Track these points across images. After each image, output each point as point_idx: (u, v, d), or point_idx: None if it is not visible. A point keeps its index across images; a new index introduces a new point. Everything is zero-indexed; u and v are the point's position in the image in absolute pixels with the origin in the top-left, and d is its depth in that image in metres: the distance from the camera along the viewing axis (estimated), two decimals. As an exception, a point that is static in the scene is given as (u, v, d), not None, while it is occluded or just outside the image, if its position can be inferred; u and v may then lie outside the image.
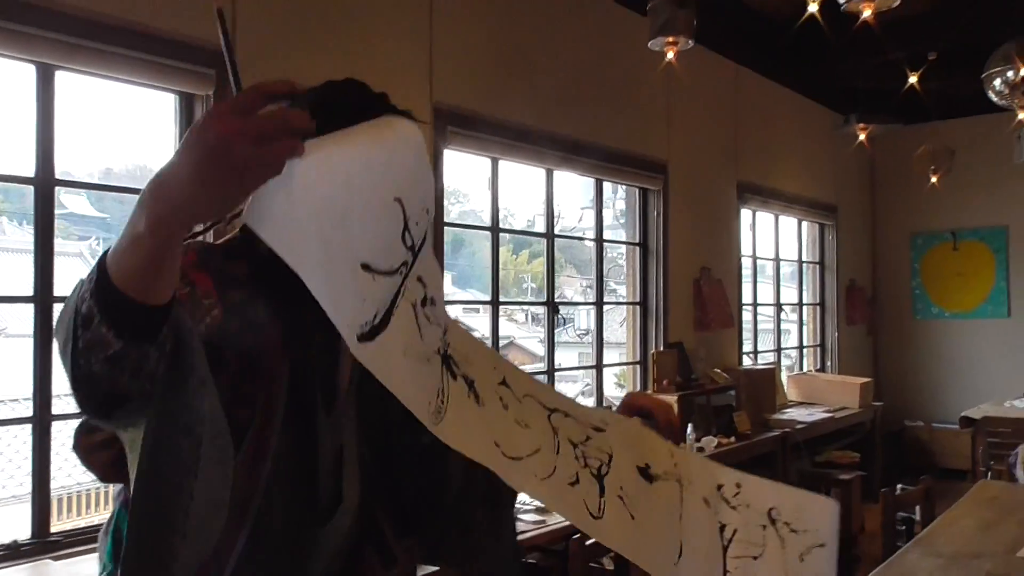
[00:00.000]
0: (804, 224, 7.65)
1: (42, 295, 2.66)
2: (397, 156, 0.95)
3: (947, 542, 2.89)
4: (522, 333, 10.20)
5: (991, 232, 7.87)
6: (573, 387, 6.35)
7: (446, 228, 4.01)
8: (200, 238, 1.20)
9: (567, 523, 3.14)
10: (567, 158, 4.57)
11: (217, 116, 0.79)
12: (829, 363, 7.91)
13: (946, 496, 3.72)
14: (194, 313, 1.03)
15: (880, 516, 3.52)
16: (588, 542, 2.90)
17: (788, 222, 7.37)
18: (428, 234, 1.02)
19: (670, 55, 3.59)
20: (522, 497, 3.38)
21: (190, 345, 0.91)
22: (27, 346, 2.68)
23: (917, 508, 3.74)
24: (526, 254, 10.84)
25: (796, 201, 7.08)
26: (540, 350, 7.96)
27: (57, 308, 2.67)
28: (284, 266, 1.03)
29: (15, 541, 2.58)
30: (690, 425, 4.84)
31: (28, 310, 2.69)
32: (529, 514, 3.20)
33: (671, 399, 5.03)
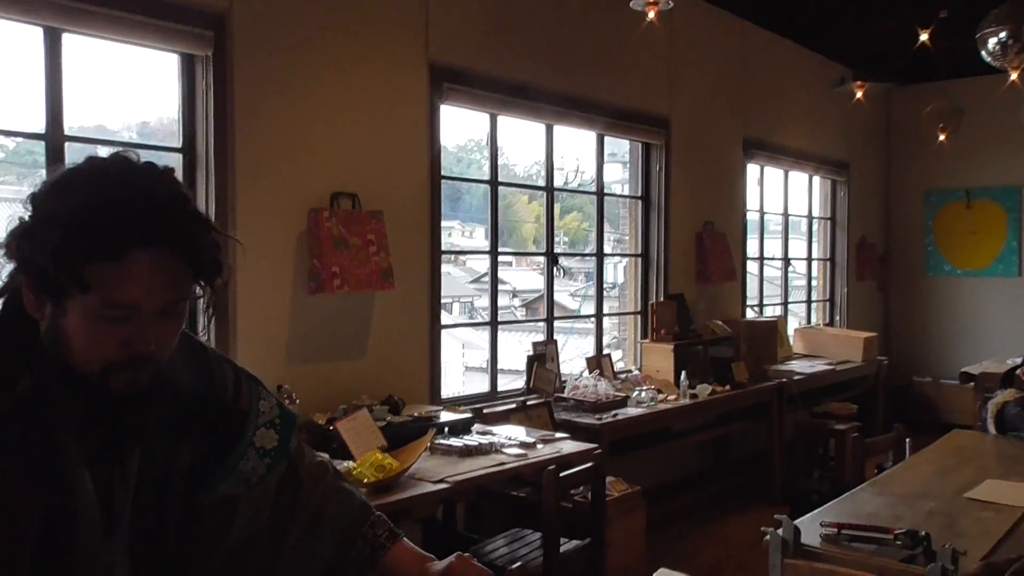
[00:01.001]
0: (815, 180, 7.70)
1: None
2: None
3: (901, 484, 3.05)
4: (555, 286, 10.41)
5: (1004, 191, 7.86)
6: (586, 341, 6.48)
7: (444, 182, 4.17)
8: None
9: (549, 456, 3.37)
10: (565, 113, 4.71)
11: None
12: (838, 318, 8.01)
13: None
14: None
15: (850, 461, 3.69)
16: (564, 473, 3.11)
17: (799, 178, 7.42)
18: None
19: (651, 15, 3.70)
20: (508, 431, 3.58)
21: None
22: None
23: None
24: (558, 209, 11.00)
25: (806, 157, 7.14)
26: (572, 303, 8.12)
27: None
28: (42, 406, 1.10)
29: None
30: (684, 373, 5.02)
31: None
32: (512, 448, 3.41)
33: (667, 348, 5.21)
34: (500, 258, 4.64)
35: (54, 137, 2.84)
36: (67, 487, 1.12)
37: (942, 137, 6.60)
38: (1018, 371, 3.91)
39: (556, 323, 5.14)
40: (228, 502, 1.32)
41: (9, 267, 1.10)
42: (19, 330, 1.10)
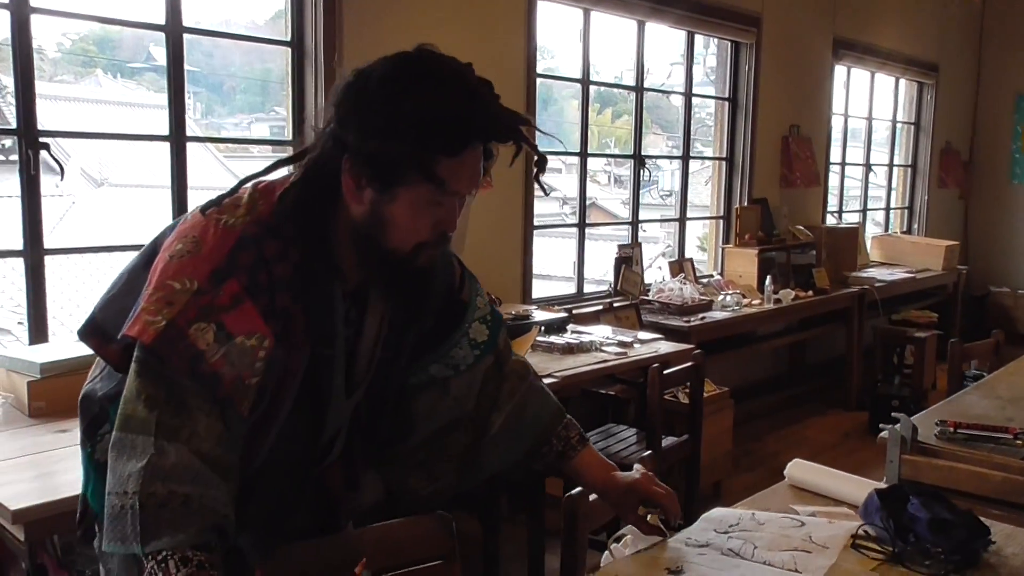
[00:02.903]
0: (902, 83, 7.43)
1: (176, 136, 2.95)
2: None
3: (1007, 388, 3.04)
4: (604, 194, 10.30)
5: (1103, 94, 7.51)
6: (653, 248, 6.49)
7: (538, 80, 4.12)
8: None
9: (648, 355, 3.42)
10: (657, 9, 4.58)
11: None
12: (916, 226, 7.85)
13: (1021, 359, 3.81)
14: (245, 367, 1.14)
15: (947, 366, 3.68)
16: (666, 371, 3.16)
17: (885, 81, 7.17)
18: None
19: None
20: (599, 331, 3.61)
21: None
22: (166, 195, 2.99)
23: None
24: (609, 113, 10.71)
25: (894, 58, 6.87)
26: (622, 211, 8.08)
27: (190, 148, 2.97)
28: (321, 267, 1.23)
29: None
30: (768, 278, 5.00)
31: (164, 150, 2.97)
32: (612, 346, 3.46)
33: (751, 253, 5.18)
34: (550, 166, 4.57)
35: (173, 30, 2.86)
36: (332, 342, 1.27)
37: (1044, 36, 6.27)
38: None
39: (607, 231, 5.13)
40: (437, 384, 1.41)
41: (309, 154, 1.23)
42: (317, 205, 1.23)
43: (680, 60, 5.28)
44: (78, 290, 5.77)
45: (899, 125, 7.60)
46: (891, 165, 7.59)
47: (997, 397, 2.91)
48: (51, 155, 2.68)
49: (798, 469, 1.96)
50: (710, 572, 1.40)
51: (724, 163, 5.52)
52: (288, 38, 3.21)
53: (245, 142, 4.68)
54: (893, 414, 2.41)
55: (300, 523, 1.39)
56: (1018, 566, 1.51)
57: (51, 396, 2.32)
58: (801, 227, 5.71)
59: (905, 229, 7.81)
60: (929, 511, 1.58)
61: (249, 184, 1.27)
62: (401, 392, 1.42)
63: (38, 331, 2.69)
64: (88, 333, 1.29)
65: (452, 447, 1.45)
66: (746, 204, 5.46)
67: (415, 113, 1.12)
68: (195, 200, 3.03)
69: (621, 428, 3.67)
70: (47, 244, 2.70)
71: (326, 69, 3.19)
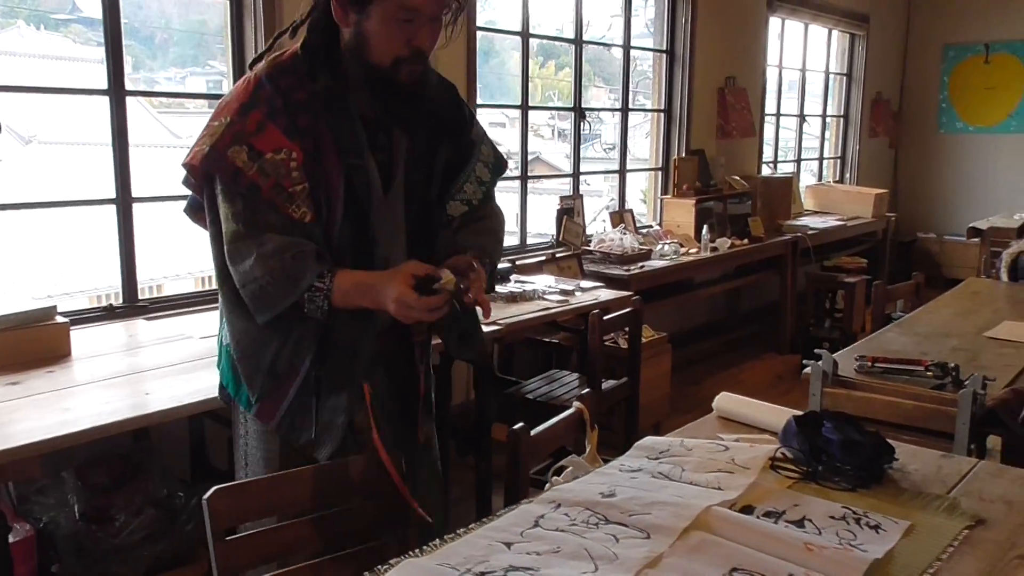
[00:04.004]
0: (834, 34, 7.60)
1: (115, 90, 2.93)
2: None
3: (925, 325, 3.24)
4: (549, 148, 10.35)
5: (1024, 45, 7.79)
6: (598, 201, 6.58)
7: (478, 32, 4.15)
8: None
9: (589, 302, 3.54)
10: (597, -38, 4.62)
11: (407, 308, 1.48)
12: (848, 175, 8.09)
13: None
14: (282, 177, 1.49)
15: (872, 306, 3.87)
16: (606, 317, 3.28)
17: (818, 32, 7.33)
18: None
19: None
20: (542, 280, 3.71)
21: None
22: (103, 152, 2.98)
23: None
24: (553, 66, 10.73)
25: (827, 9, 7.02)
26: (566, 165, 8.18)
27: (130, 102, 2.97)
28: (337, 89, 1.55)
29: (111, 304, 3.00)
30: (705, 227, 5.15)
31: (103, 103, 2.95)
32: (554, 295, 3.57)
33: (689, 203, 5.32)
34: (491, 119, 4.61)
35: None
36: (361, 154, 1.58)
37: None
38: (1035, 222, 4.06)
39: (550, 184, 5.21)
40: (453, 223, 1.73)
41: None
42: (322, 41, 1.55)
43: (620, 12, 5.33)
44: (14, 247, 5.67)
45: (832, 76, 7.78)
46: (824, 116, 7.79)
47: (915, 334, 3.10)
48: (-13, 111, 2.65)
49: (725, 401, 2.10)
50: (641, 493, 1.51)
51: (662, 115, 5.62)
52: (225, -8, 3.20)
53: (185, 96, 4.59)
54: (816, 351, 2.57)
55: (380, 348, 1.66)
56: (918, 480, 1.67)
57: (-1, 351, 2.35)
58: (737, 177, 5.87)
59: (837, 178, 8.05)
60: (841, 433, 1.72)
61: (279, 40, 1.64)
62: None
63: (-19, 289, 2.69)
64: (194, 208, 1.67)
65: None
66: (684, 155, 5.58)
67: None
68: (138, 157, 3.03)
69: (564, 373, 3.80)
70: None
71: (266, 22, 3.19)
